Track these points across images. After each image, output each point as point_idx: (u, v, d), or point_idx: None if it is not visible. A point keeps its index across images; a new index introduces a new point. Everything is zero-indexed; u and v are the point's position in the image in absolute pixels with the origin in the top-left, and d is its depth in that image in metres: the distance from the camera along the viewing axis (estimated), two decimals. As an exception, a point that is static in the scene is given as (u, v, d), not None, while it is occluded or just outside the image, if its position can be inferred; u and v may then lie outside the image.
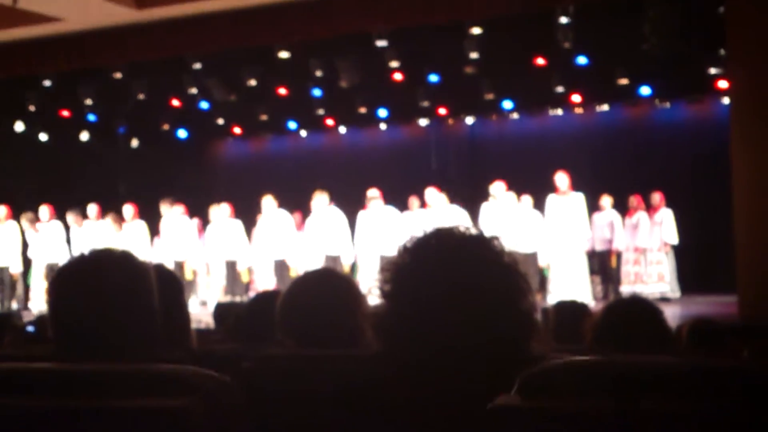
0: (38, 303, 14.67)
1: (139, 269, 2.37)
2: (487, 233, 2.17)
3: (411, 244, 2.15)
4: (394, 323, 2.11)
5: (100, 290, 2.26)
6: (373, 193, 13.76)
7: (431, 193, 13.70)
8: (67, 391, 1.72)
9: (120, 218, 14.85)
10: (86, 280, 2.29)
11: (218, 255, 14.91)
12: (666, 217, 14.17)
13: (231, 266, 14.82)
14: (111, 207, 14.98)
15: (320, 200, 13.82)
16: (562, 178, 12.88)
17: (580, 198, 12.94)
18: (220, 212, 14.99)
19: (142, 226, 14.79)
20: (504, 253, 2.13)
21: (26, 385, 1.77)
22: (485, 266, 2.09)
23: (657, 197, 14.31)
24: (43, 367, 1.83)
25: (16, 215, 14.91)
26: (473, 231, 2.16)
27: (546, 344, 2.24)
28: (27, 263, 15.03)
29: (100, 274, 2.30)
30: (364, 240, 13.61)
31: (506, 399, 1.67)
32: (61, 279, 2.35)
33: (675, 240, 14.15)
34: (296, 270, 13.71)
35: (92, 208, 14.98)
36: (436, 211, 13.29)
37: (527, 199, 13.84)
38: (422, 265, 2.11)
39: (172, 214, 14.85)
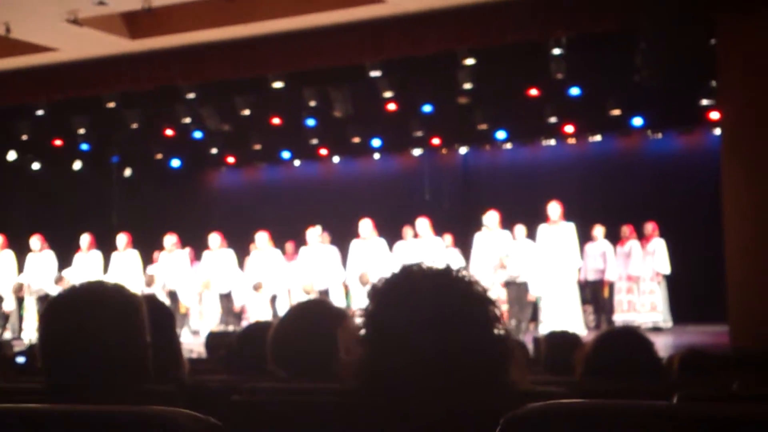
0: (31, 333, 14.60)
1: (131, 302, 2.36)
2: (454, 265, 2.18)
3: (378, 287, 2.17)
4: (371, 369, 2.11)
5: (91, 323, 2.26)
6: (365, 225, 13.79)
7: (422, 224, 13.74)
8: None
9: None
10: (77, 312, 2.28)
11: (211, 285, 14.82)
12: (658, 246, 14.19)
13: (224, 297, 14.77)
14: (104, 236, 14.94)
15: (313, 234, 13.94)
16: (554, 208, 12.89)
17: (570, 228, 12.94)
18: (214, 242, 14.92)
19: (135, 255, 14.72)
20: (472, 283, 2.15)
21: (12, 424, 1.75)
22: (454, 298, 2.10)
23: (650, 227, 14.33)
24: (28, 408, 1.82)
25: (10, 244, 14.84)
26: (439, 265, 2.18)
27: (523, 373, 2.25)
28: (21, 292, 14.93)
29: (92, 307, 2.29)
30: (356, 269, 13.62)
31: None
32: (52, 311, 2.34)
33: (667, 270, 14.16)
34: (285, 305, 13.77)
35: (84, 238, 14.89)
36: (428, 242, 13.30)
37: (521, 229, 13.83)
38: (391, 306, 2.11)
39: (169, 247, 14.81)
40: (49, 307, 2.36)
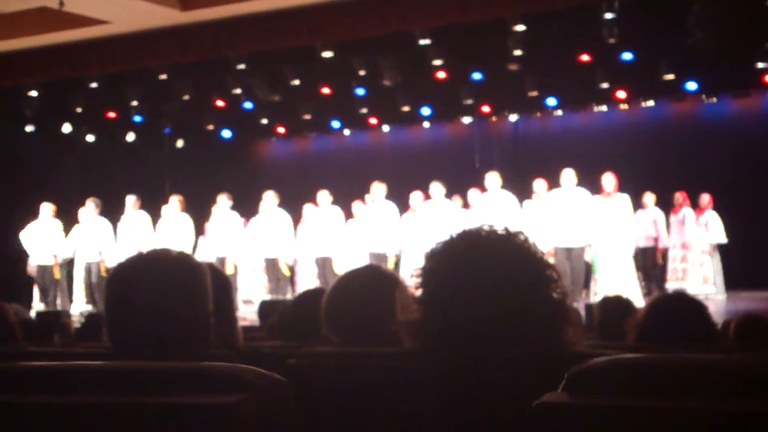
0: (80, 302, 14.69)
1: (196, 271, 2.37)
2: (512, 228, 2.20)
3: (438, 249, 2.19)
4: (430, 329, 2.14)
5: (157, 291, 2.28)
6: (416, 196, 13.70)
7: (474, 194, 13.64)
8: (120, 389, 1.75)
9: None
10: (143, 280, 2.30)
11: (262, 252, 14.58)
12: (711, 218, 13.89)
13: (273, 263, 14.51)
14: (157, 208, 14.99)
15: (378, 191, 13.80)
16: (608, 180, 12.53)
17: (625, 200, 12.62)
18: (268, 202, 14.46)
19: (187, 219, 14.57)
20: (530, 246, 2.17)
21: (80, 382, 1.79)
22: (511, 261, 2.13)
23: (706, 198, 14.01)
24: (97, 365, 1.86)
25: (62, 215, 14.95)
26: (498, 228, 2.19)
27: (580, 336, 2.26)
28: (71, 262, 15.03)
29: (157, 275, 2.31)
30: (410, 236, 13.58)
31: (553, 396, 1.67)
32: (119, 278, 2.37)
33: (722, 240, 13.86)
34: (340, 267, 13.68)
35: (130, 199, 14.73)
36: (479, 211, 13.18)
37: (583, 192, 13.10)
38: (450, 268, 2.14)
39: (223, 208, 14.57)
40: (116, 274, 2.38)
